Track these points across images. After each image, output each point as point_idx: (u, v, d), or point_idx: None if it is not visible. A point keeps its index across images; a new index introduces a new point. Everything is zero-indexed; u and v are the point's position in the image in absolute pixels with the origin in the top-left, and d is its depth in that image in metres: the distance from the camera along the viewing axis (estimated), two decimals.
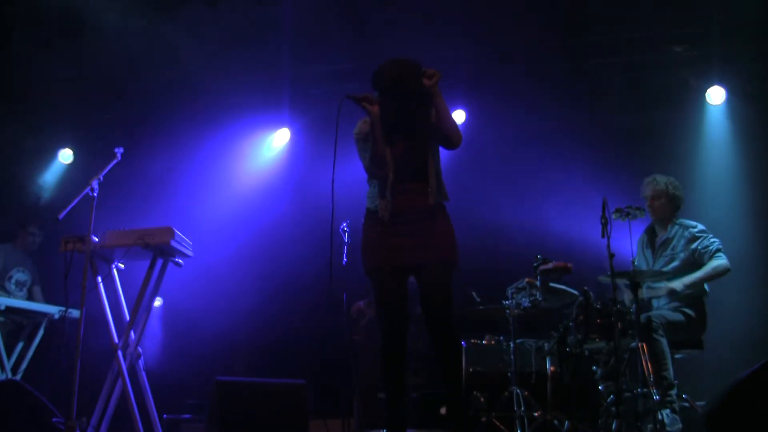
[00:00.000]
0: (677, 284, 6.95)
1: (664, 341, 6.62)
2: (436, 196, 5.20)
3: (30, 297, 8.97)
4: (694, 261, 7.13)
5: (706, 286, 7.09)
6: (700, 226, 7.28)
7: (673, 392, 6.50)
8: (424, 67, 5.15)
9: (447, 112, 5.22)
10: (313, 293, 8.98)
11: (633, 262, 6.98)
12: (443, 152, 5.36)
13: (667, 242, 7.32)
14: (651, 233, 7.50)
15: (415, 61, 5.20)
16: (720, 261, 7.03)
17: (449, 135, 5.22)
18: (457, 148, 5.29)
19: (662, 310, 7.00)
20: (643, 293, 7.08)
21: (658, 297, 7.16)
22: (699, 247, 7.12)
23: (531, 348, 7.32)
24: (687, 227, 7.29)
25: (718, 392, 4.40)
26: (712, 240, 7.14)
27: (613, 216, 6.98)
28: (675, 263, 7.16)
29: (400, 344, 5.21)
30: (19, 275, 8.97)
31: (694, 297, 7.03)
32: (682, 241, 7.22)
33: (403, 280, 5.24)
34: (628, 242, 7.44)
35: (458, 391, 5.24)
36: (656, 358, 6.52)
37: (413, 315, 5.30)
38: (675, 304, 7.05)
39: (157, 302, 9.56)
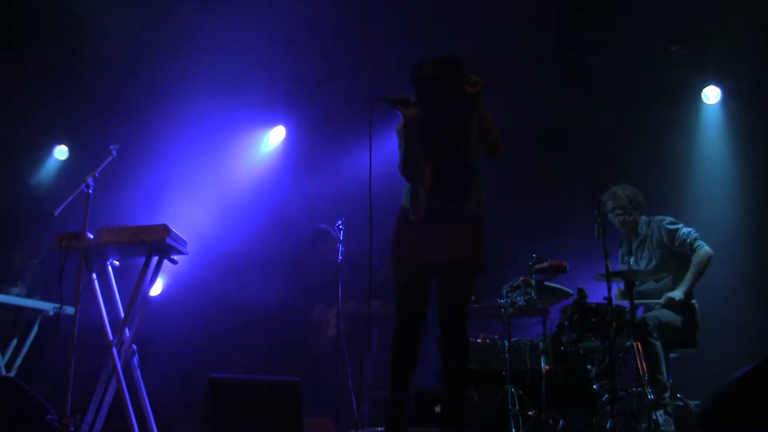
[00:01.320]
0: (677, 294, 6.94)
1: (658, 344, 6.64)
2: (473, 208, 5.19)
3: None
4: (675, 252, 7.16)
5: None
6: (668, 218, 7.32)
7: (667, 395, 6.51)
8: (467, 73, 5.04)
9: (490, 120, 5.07)
10: (307, 291, 9.00)
11: (629, 262, 7.01)
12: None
13: (642, 243, 7.36)
14: (628, 242, 7.52)
15: (459, 63, 5.07)
16: (702, 250, 7.04)
17: (492, 144, 5.10)
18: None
19: (656, 310, 7.00)
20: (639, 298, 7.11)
21: (656, 307, 7.11)
22: (677, 240, 7.14)
23: (526, 346, 7.32)
24: (654, 222, 7.33)
25: (713, 392, 4.41)
26: (686, 230, 7.17)
27: (610, 217, 7.01)
28: (656, 261, 7.18)
29: (413, 342, 5.19)
30: (12, 291, 8.94)
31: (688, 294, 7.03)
32: (656, 237, 7.25)
33: (427, 278, 5.22)
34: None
35: (461, 391, 5.25)
36: (651, 360, 6.53)
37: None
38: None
39: (157, 289, 9.55)
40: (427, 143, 5.13)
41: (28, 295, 9.01)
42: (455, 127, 5.18)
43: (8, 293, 8.79)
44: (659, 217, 7.34)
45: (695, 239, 7.09)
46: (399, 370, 5.18)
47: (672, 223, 7.24)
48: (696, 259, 7.02)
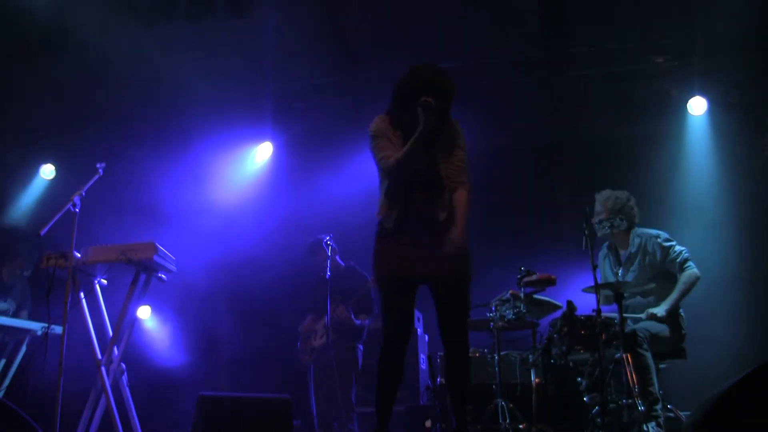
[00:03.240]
0: (659, 310, 6.93)
1: (648, 355, 6.62)
2: (449, 211, 5.16)
3: None
4: (663, 270, 7.16)
5: None
6: (664, 234, 7.29)
7: (659, 407, 6.49)
8: None
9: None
10: (297, 306, 8.99)
11: (616, 274, 7.00)
12: None
13: (632, 257, 7.32)
14: (614, 250, 7.47)
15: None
16: (690, 271, 7.04)
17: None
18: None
19: (644, 322, 6.99)
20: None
21: (638, 321, 7.11)
22: (668, 258, 7.13)
23: (515, 360, 7.31)
24: (649, 237, 7.29)
25: (703, 402, 4.41)
26: (679, 248, 7.15)
27: (597, 229, 7.00)
28: (644, 276, 7.16)
29: (400, 357, 5.15)
30: (1, 305, 8.90)
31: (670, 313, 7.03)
32: (648, 255, 7.23)
33: (412, 293, 5.17)
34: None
35: (463, 402, 5.24)
36: (641, 372, 6.51)
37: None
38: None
39: (146, 312, 9.54)
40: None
41: (17, 311, 8.97)
42: (440, 139, 5.24)
43: None
44: (654, 232, 7.32)
45: (686, 260, 7.09)
46: (384, 385, 5.17)
47: (667, 240, 7.23)
48: (683, 278, 7.02)
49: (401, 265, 5.09)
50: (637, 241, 7.30)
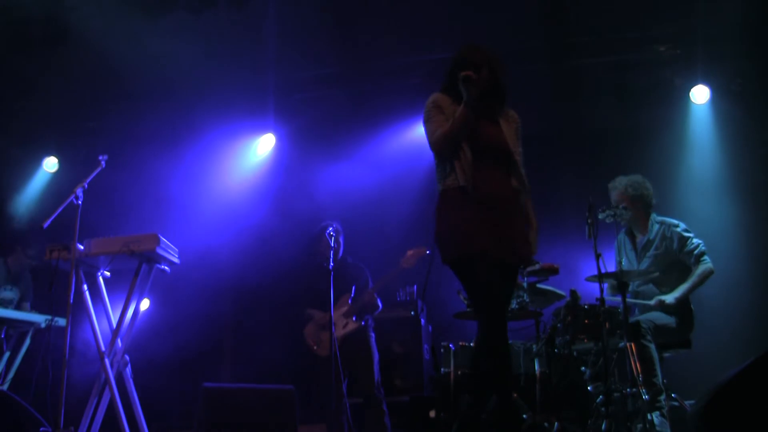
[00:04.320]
0: (669, 298, 6.92)
1: (652, 346, 6.61)
2: (521, 183, 5.11)
3: None
4: (679, 261, 7.14)
5: None
6: (683, 225, 7.26)
7: (662, 397, 6.48)
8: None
9: None
10: (296, 296, 8.98)
11: (620, 263, 6.99)
12: None
13: (648, 244, 7.28)
14: (630, 235, 7.46)
15: None
16: (705, 266, 7.03)
17: None
18: None
19: (650, 313, 6.98)
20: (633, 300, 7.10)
21: (648, 310, 7.09)
22: (685, 249, 7.12)
23: (519, 350, 7.30)
24: (669, 225, 7.26)
25: (707, 391, 4.40)
26: (696, 241, 7.13)
27: (600, 216, 6.98)
28: (659, 264, 7.15)
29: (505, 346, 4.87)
30: (6, 293, 8.89)
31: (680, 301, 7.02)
32: (666, 241, 7.21)
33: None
34: (615, 242, 7.45)
35: (509, 392, 5.02)
36: (645, 363, 6.50)
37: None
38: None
39: (145, 304, 9.54)
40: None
41: (20, 302, 8.99)
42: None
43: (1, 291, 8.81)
44: (674, 221, 7.30)
45: (703, 252, 7.07)
46: (486, 374, 4.86)
47: (686, 231, 7.21)
48: (698, 270, 7.01)
49: (490, 242, 4.84)
50: (656, 228, 7.28)
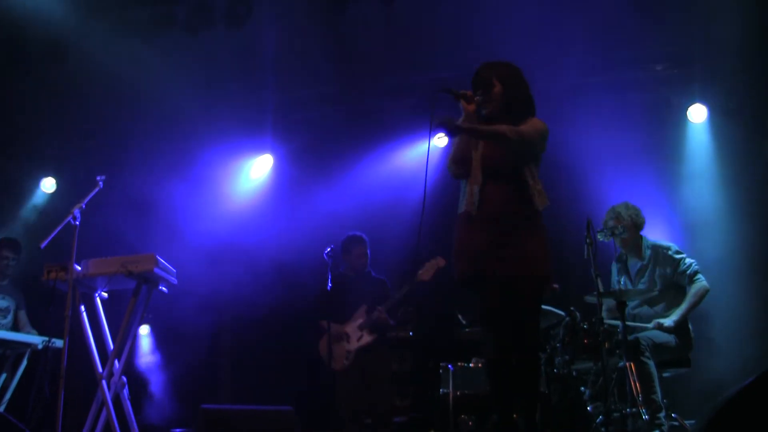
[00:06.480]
0: (667, 321, 6.91)
1: (651, 363, 6.60)
2: (535, 201, 5.15)
3: (15, 322, 8.84)
4: (673, 283, 7.15)
5: None
6: (674, 246, 7.29)
7: (662, 414, 6.47)
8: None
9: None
10: (297, 318, 8.97)
11: (619, 282, 6.98)
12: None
13: (643, 269, 7.31)
14: (623, 260, 7.48)
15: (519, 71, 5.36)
16: (700, 284, 7.04)
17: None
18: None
19: (649, 331, 6.97)
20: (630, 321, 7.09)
21: (647, 329, 7.07)
22: (678, 270, 7.13)
23: None
24: (660, 249, 7.29)
25: (708, 410, 4.38)
26: (689, 261, 7.15)
27: (598, 236, 6.98)
28: (655, 287, 7.14)
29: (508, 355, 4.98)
30: (0, 302, 8.85)
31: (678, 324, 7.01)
32: (659, 267, 7.21)
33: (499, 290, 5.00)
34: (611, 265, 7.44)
35: (533, 410, 5.04)
36: (644, 380, 6.50)
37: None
38: None
39: (144, 330, 9.53)
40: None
41: (16, 310, 8.92)
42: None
43: None
44: (665, 244, 7.32)
45: (696, 272, 7.08)
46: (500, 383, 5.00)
47: (677, 252, 7.22)
48: (692, 290, 7.02)
49: (489, 261, 4.99)
50: (648, 252, 7.29)
